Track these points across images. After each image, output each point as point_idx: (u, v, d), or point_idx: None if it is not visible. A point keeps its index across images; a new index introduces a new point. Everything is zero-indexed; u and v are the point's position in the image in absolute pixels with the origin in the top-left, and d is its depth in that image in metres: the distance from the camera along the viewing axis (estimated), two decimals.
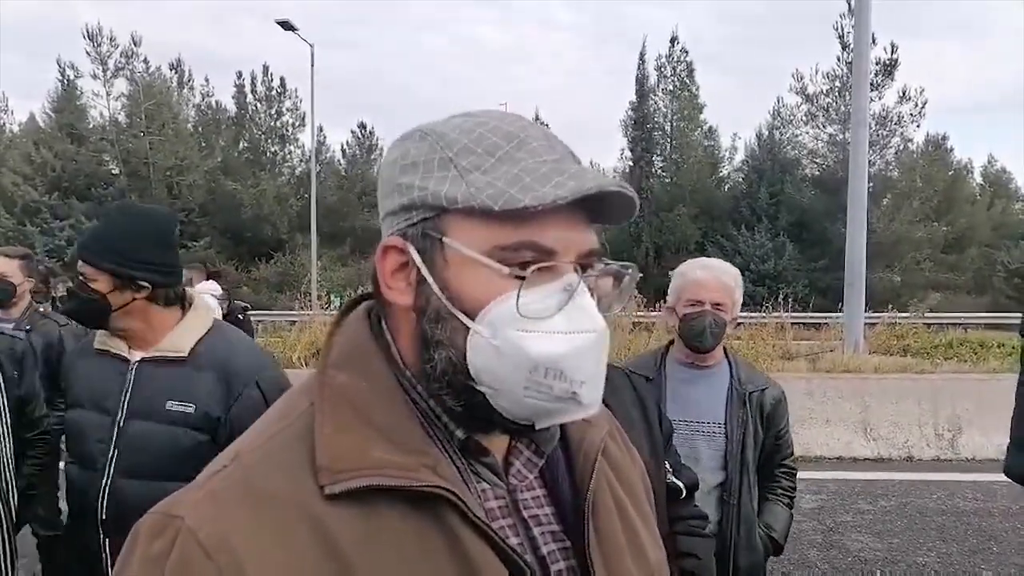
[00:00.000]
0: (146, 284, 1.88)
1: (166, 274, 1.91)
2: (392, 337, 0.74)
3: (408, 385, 0.72)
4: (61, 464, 2.16)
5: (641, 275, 0.77)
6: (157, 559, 0.62)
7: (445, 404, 0.70)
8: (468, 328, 0.67)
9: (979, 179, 41.10)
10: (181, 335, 1.90)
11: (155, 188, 30.36)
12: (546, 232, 0.66)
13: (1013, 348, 11.66)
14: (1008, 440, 2.70)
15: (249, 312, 7.08)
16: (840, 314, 12.50)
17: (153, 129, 30.53)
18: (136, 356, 1.89)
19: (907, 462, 6.81)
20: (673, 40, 32.62)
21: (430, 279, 0.68)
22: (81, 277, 1.87)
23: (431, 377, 0.69)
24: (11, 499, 2.25)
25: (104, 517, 1.82)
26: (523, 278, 0.65)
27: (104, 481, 1.82)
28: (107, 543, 1.83)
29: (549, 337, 0.66)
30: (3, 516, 2.21)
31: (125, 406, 1.84)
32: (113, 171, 31.13)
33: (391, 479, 0.64)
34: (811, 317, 15.40)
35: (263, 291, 26.70)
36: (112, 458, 1.83)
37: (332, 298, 18.51)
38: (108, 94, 31.37)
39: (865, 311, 11.39)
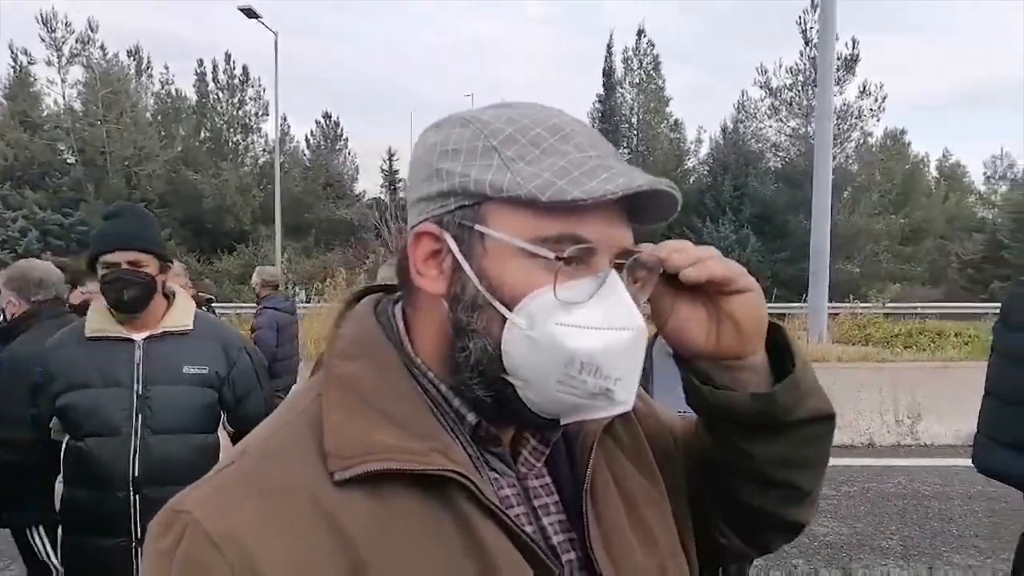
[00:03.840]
0: (171, 265, 2.28)
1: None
2: (408, 325, 0.73)
3: (418, 372, 0.71)
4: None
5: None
6: (166, 554, 0.62)
7: (473, 393, 0.69)
8: (505, 318, 0.66)
9: (935, 173, 42.21)
10: (181, 313, 2.27)
11: (112, 178, 29.63)
12: (587, 226, 0.65)
13: (970, 337, 12.02)
14: (973, 430, 2.75)
15: (213, 304, 6.96)
16: (803, 304, 12.72)
17: (110, 118, 29.74)
18: (140, 335, 2.19)
19: (869, 448, 6.99)
20: (640, 33, 32.81)
21: (467, 267, 0.67)
22: (129, 264, 2.12)
23: (463, 367, 0.68)
24: None
25: (136, 475, 2.10)
26: (563, 259, 0.64)
27: (133, 443, 2.11)
28: (137, 499, 2.11)
29: (587, 332, 0.65)
30: None
31: (140, 377, 2.16)
32: (68, 160, 30.30)
33: (402, 463, 0.63)
34: (774, 307, 15.65)
35: (226, 283, 26.26)
36: (137, 422, 2.13)
37: (297, 291, 18.26)
38: (63, 81, 30.65)
39: (827, 302, 11.62)
